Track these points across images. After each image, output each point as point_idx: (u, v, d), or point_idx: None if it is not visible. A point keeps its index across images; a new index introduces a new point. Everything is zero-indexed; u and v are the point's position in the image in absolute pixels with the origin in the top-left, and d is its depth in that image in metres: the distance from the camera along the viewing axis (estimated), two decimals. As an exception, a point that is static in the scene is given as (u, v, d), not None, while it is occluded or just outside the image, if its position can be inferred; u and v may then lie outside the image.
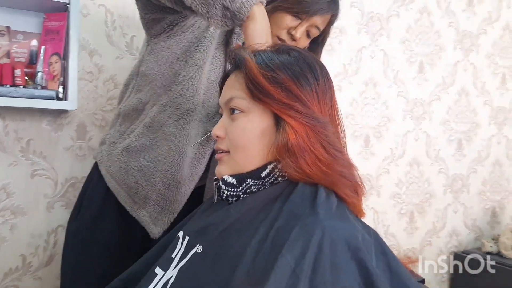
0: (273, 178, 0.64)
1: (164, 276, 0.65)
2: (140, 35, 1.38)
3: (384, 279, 0.53)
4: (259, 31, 0.75)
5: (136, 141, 0.94)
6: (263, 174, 0.63)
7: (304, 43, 1.03)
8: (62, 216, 1.31)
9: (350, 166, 0.65)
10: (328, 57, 1.78)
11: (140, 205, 0.95)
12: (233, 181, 0.65)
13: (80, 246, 0.97)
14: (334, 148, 0.63)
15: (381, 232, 2.02)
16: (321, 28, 1.02)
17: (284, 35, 1.00)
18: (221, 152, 0.67)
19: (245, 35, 0.77)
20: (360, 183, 0.65)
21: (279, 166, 0.63)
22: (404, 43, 2.02)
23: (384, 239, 0.63)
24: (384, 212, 2.03)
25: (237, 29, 0.98)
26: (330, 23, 1.04)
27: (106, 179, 0.97)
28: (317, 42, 1.08)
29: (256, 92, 0.62)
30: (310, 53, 0.70)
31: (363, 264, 0.52)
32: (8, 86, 1.11)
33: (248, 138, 0.64)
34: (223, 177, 0.66)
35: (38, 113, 1.28)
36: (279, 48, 0.68)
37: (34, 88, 1.14)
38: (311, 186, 0.61)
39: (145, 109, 0.96)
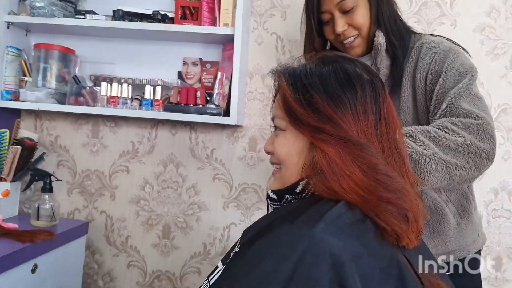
0: (309, 193, 0.64)
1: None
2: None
3: None
4: None
5: None
6: (297, 190, 0.64)
7: (340, 23, 0.99)
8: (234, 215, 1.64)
9: (401, 191, 0.59)
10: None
11: None
12: (274, 196, 0.68)
13: None
14: (377, 171, 0.59)
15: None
16: (328, 5, 0.99)
17: (335, 41, 1.04)
18: (276, 168, 0.69)
19: None
20: (415, 210, 0.60)
21: (311, 183, 0.62)
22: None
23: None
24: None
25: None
26: None
27: None
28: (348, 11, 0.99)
29: (290, 118, 0.64)
30: (358, 63, 0.67)
31: (342, 282, 0.50)
32: (192, 105, 1.46)
33: (286, 154, 0.65)
34: (268, 192, 0.69)
35: (220, 127, 1.61)
36: (324, 58, 0.68)
37: (210, 106, 1.45)
38: (334, 201, 0.59)
39: None
